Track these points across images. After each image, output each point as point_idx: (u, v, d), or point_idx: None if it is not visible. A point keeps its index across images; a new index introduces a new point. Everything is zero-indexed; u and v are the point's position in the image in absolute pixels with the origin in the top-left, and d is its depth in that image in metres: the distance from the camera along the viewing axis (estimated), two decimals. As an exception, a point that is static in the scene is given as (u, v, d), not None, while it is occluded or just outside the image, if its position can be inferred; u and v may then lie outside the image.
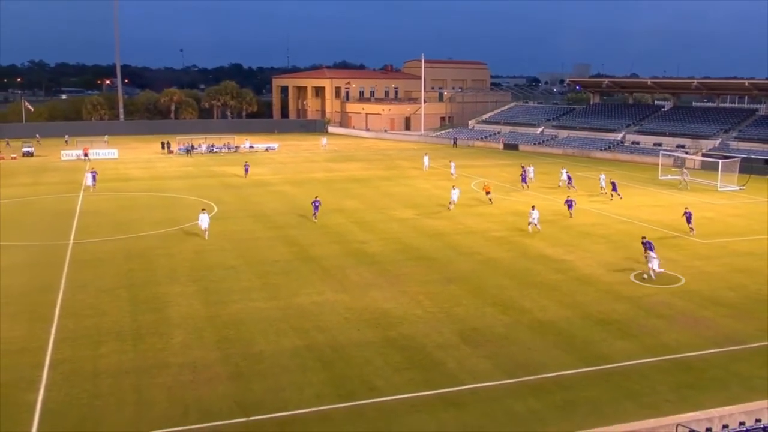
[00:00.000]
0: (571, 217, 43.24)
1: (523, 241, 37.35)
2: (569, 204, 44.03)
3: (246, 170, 62.25)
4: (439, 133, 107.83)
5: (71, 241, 37.07)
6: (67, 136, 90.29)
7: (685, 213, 39.52)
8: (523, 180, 56.42)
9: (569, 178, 55.97)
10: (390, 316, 25.57)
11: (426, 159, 68.92)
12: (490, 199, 48.60)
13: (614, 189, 50.98)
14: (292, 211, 45.93)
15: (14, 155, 77.06)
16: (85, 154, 76.34)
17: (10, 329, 23.86)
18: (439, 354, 22.17)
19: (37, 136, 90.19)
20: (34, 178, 61.59)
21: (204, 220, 37.21)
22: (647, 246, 31.64)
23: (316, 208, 42.11)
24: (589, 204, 48.59)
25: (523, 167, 59.30)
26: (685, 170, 60.92)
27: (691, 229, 38.83)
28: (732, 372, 21.12)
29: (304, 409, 18.40)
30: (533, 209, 39.52)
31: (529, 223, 39.21)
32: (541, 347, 22.86)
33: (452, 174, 61.77)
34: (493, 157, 79.93)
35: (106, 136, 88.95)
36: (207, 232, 37.02)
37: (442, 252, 35.02)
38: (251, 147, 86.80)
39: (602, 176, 54.64)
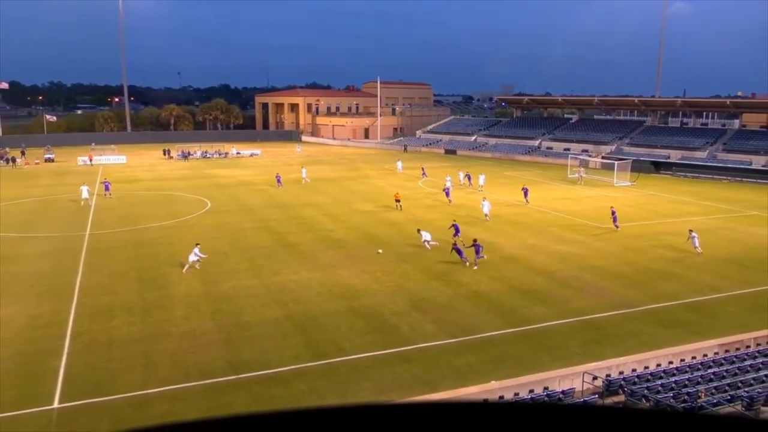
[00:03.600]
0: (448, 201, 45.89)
1: (462, 229, 37.53)
2: (446, 192, 47.04)
3: (278, 181, 54.34)
4: (392, 141, 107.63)
5: (87, 233, 36.10)
6: (93, 143, 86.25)
7: (612, 211, 37.84)
8: (469, 180, 54.89)
9: (469, 177, 55.18)
10: (354, 290, 25.55)
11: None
12: (399, 207, 43.23)
13: (471, 181, 54.21)
14: (273, 206, 45.42)
15: (37, 161, 74.52)
16: (90, 160, 73.28)
17: (38, 306, 23.23)
18: (394, 320, 22.26)
19: (38, 147, 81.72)
20: (55, 180, 59.72)
21: (192, 256, 27.77)
22: (456, 228, 32.55)
23: (457, 230, 32.97)
24: (467, 194, 49.20)
25: (423, 169, 61.93)
26: (581, 169, 62.10)
27: (616, 226, 36.86)
28: (626, 330, 21.68)
29: (285, 367, 18.31)
30: (419, 232, 32.83)
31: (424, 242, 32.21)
32: (477, 313, 23.11)
33: (304, 179, 57.39)
34: (436, 160, 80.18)
35: (112, 145, 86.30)
36: (188, 266, 27.73)
37: (396, 238, 35.04)
38: (238, 153, 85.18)
39: (460, 173, 56.65)
